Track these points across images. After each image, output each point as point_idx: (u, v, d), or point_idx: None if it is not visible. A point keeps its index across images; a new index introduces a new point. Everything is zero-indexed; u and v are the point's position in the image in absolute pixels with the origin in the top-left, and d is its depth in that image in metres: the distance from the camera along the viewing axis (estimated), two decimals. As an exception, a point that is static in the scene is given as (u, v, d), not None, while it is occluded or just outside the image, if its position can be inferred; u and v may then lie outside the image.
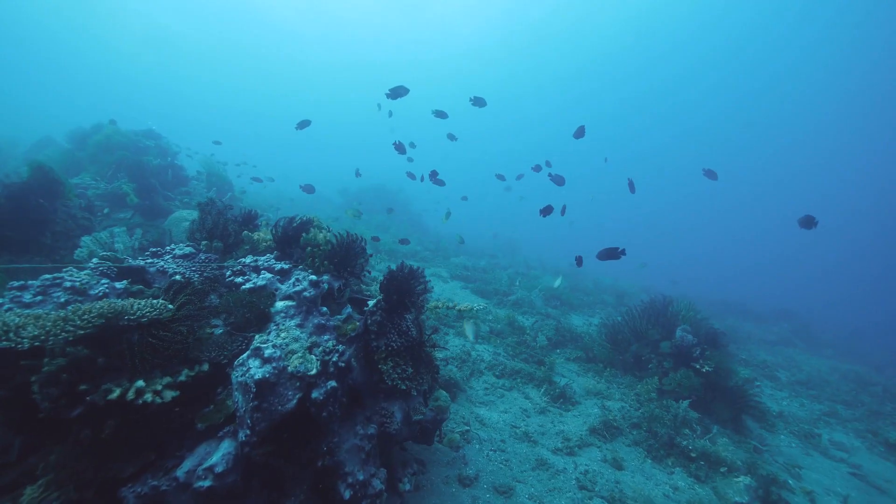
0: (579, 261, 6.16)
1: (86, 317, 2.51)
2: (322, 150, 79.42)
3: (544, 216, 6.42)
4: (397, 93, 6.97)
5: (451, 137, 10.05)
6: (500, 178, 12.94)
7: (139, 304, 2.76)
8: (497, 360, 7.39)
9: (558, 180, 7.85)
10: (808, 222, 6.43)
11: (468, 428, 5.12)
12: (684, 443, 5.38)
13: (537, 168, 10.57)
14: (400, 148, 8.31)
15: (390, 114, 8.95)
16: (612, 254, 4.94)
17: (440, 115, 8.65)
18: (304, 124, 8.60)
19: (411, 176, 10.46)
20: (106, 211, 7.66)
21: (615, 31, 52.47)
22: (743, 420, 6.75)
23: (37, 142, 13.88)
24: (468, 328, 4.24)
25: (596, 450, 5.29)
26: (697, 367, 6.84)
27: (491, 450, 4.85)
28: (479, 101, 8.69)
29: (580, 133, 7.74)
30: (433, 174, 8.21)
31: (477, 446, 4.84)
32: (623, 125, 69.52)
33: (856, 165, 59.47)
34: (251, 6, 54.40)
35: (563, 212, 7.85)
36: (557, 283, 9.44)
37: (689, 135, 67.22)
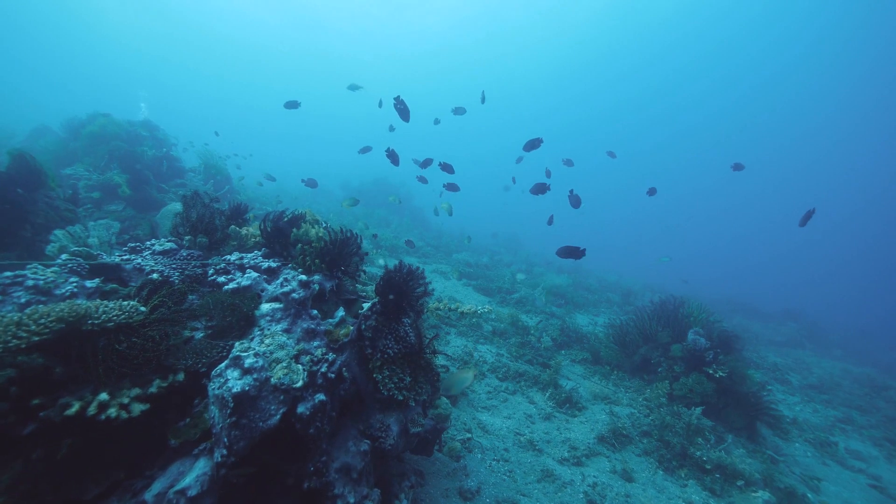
0: (572, 253, 5.92)
1: (42, 321, 2.24)
2: (324, 145, 79.01)
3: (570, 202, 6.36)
4: (401, 105, 6.50)
5: (437, 122, 9.74)
6: (514, 181, 12.63)
7: (106, 306, 2.48)
8: (500, 361, 7.12)
9: (575, 202, 7.39)
10: (806, 217, 6.18)
11: (470, 435, 4.85)
12: (698, 453, 5.10)
13: (548, 173, 10.27)
14: (393, 157, 8.05)
15: (380, 103, 8.50)
16: (572, 252, 4.99)
17: (459, 111, 8.37)
18: (291, 105, 8.37)
19: (422, 180, 10.20)
20: (96, 196, 7.39)
21: (612, 27, 51.22)
22: (757, 428, 6.46)
23: (33, 131, 13.62)
24: (463, 379, 3.09)
25: (604, 460, 5.02)
26: (710, 371, 6.53)
27: (494, 459, 4.58)
28: (482, 98, 8.41)
29: (532, 145, 6.92)
30: (446, 167, 7.79)
31: (479, 456, 4.58)
32: (620, 124, 68.56)
33: (858, 163, 58.53)
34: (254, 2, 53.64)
35: (550, 221, 7.65)
36: (538, 294, 8.96)
37: (689, 133, 66.28)
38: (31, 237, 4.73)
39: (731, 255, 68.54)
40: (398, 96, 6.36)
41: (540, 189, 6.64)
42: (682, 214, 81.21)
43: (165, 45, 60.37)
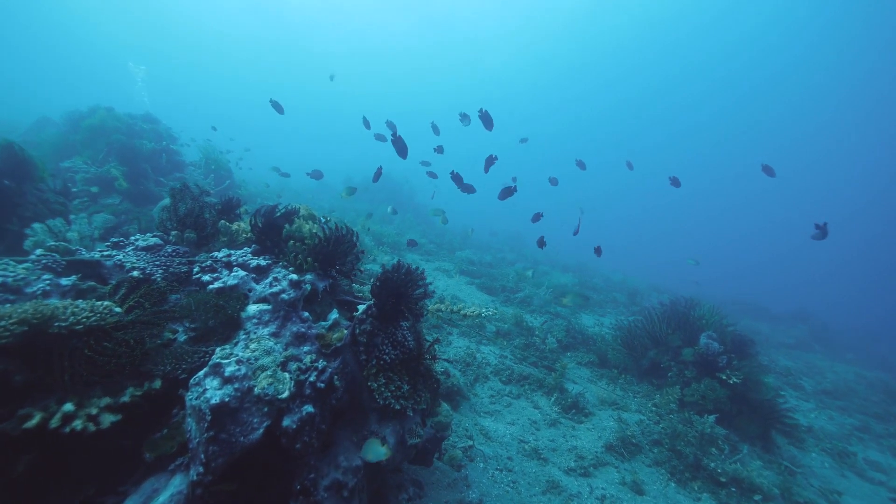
0: (540, 242, 6.90)
1: (3, 323, 2.03)
2: (325, 144, 79.02)
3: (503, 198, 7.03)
4: (398, 141, 6.28)
5: (435, 129, 9.45)
6: (514, 181, 12.39)
7: (76, 307, 2.27)
8: (504, 363, 6.89)
9: (577, 229, 7.70)
10: (821, 230, 6.06)
11: (472, 443, 4.63)
12: (712, 464, 4.84)
13: (554, 181, 10.07)
14: (377, 175, 8.01)
15: (366, 124, 8.40)
16: (540, 242, 6.72)
17: (464, 119, 8.16)
18: (276, 105, 8.38)
19: (432, 175, 10.10)
20: (94, 189, 7.22)
21: (612, 27, 50.21)
22: (772, 437, 6.18)
23: (34, 123, 13.51)
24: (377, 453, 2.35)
25: (613, 470, 4.78)
26: (724, 377, 6.26)
27: (496, 469, 4.36)
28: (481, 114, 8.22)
29: (489, 163, 7.00)
30: (457, 177, 7.64)
31: (481, 465, 4.36)
32: (620, 124, 67.64)
33: (859, 162, 57.37)
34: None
35: (535, 218, 7.59)
36: (543, 292, 8.94)
37: (690, 133, 65.27)
38: (19, 231, 4.55)
39: (732, 255, 67.63)
40: (394, 133, 6.25)
41: (507, 193, 6.90)
42: (682, 214, 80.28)
43: (165, 44, 60.52)
